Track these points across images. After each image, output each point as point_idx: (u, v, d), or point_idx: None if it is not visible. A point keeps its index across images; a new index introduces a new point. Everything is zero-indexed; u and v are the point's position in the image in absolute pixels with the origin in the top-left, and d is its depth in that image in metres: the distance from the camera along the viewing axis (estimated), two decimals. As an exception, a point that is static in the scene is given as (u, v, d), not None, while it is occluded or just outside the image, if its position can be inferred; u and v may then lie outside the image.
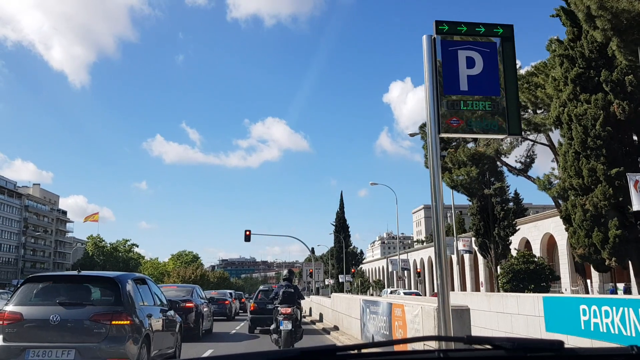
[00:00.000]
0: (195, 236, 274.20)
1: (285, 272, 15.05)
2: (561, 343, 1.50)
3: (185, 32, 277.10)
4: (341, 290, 69.18)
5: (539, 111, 27.02)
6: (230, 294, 32.02)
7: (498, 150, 28.61)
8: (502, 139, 29.73)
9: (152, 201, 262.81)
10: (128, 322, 7.91)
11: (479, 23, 6.15)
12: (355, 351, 1.55)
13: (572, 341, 9.51)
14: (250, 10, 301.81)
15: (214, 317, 21.14)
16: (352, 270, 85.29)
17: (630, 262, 20.42)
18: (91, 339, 7.65)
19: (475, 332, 9.98)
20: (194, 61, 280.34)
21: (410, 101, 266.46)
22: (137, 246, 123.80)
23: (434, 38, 6.03)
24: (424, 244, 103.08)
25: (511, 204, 36.11)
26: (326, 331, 19.37)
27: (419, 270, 71.82)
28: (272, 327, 13.12)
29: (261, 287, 22.94)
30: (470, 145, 30.93)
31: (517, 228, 36.34)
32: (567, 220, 20.72)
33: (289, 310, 12.69)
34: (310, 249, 53.26)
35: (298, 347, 2.75)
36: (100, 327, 7.73)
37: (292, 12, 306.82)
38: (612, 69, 19.58)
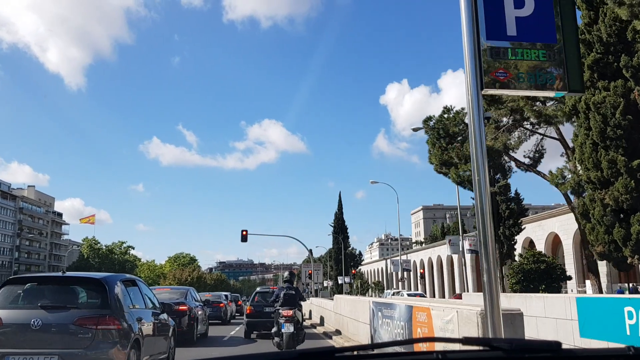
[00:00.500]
0: (192, 238, 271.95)
1: (286, 273, 14.38)
2: (559, 344, 1.50)
3: (181, 34, 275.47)
4: (340, 292, 67.81)
5: (549, 103, 25.77)
6: (226, 296, 30.63)
7: (506, 144, 27.29)
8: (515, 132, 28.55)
9: (149, 203, 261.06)
10: (115, 326, 7.45)
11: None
12: (354, 353, 1.56)
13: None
14: (246, 12, 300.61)
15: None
16: (353, 271, 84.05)
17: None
18: (75, 344, 7.18)
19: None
20: (190, 63, 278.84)
21: (406, 103, 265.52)
22: (133, 248, 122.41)
23: (472, -30, 4.75)
24: (423, 245, 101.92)
25: (512, 203, 34.78)
26: (328, 335, 18.13)
27: (421, 271, 70.48)
28: (274, 330, 12.85)
29: (258, 289, 21.58)
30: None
31: (522, 227, 35.09)
32: (584, 215, 19.43)
33: (290, 312, 12.38)
34: (309, 250, 51.94)
35: (297, 349, 2.52)
36: (85, 331, 7.26)
37: (288, 14, 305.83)
38: (632, 53, 18.29)
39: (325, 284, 78.07)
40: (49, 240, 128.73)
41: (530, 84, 4.92)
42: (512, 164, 30.68)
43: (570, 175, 22.04)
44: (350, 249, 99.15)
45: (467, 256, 59.74)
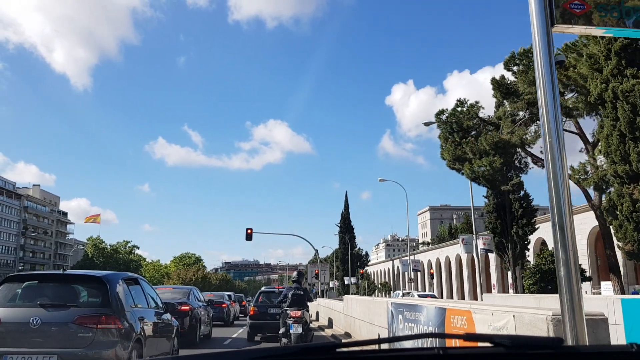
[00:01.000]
0: (198, 239, 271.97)
1: (294, 273, 14.22)
2: (560, 340, 1.50)
3: (187, 34, 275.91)
4: (346, 293, 66.71)
5: (568, 95, 24.55)
6: (229, 296, 29.57)
7: (522, 139, 26.05)
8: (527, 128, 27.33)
9: (154, 204, 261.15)
10: (116, 325, 7.28)
11: None
12: (356, 348, 1.52)
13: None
14: (251, 12, 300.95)
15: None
16: (361, 271, 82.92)
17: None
18: (75, 343, 7.01)
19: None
20: (195, 63, 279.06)
21: (412, 104, 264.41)
22: (138, 248, 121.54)
23: None
24: (430, 245, 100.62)
25: (524, 202, 33.53)
26: (337, 338, 17.07)
27: (432, 271, 69.28)
28: (281, 331, 12.63)
29: (263, 289, 20.53)
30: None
31: (536, 227, 33.88)
32: (610, 212, 18.22)
33: (299, 313, 12.22)
34: (315, 250, 50.90)
35: (299, 345, 2.23)
36: (85, 331, 7.10)
37: (294, 14, 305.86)
38: (664, 39, 17.13)
39: (331, 285, 76.97)
40: (53, 240, 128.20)
41: (612, 18, 3.79)
42: (529, 159, 29.44)
43: (593, 170, 20.80)
44: (356, 249, 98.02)
45: (476, 257, 58.61)
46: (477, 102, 28.78)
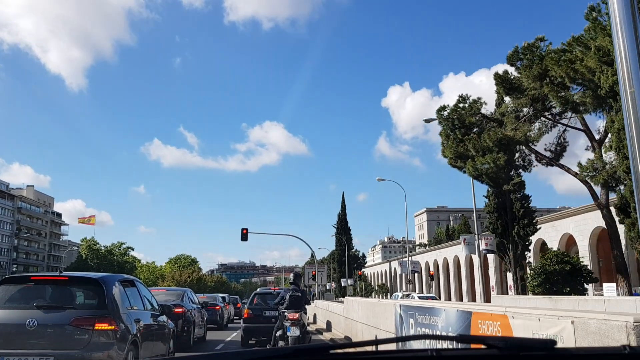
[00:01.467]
0: (193, 241, 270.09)
1: (291, 275, 13.44)
2: (553, 342, 1.48)
3: (183, 35, 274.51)
4: (343, 295, 65.84)
5: (574, 90, 23.78)
6: (223, 298, 28.72)
7: (527, 136, 25.27)
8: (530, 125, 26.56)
9: (150, 205, 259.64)
10: (112, 327, 7.29)
11: None
12: (350, 349, 1.51)
13: None
14: (247, 13, 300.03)
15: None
16: (359, 272, 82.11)
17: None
18: (71, 345, 7.03)
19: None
20: (191, 64, 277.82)
21: (408, 106, 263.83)
22: (133, 249, 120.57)
23: None
24: (427, 247, 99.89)
25: (525, 202, 32.76)
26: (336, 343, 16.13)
27: (432, 272, 68.47)
28: (279, 333, 12.37)
29: (258, 290, 19.67)
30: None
31: (538, 227, 33.11)
32: (622, 210, 17.43)
33: (296, 315, 11.95)
34: (312, 250, 50.04)
35: (292, 346, 2.46)
36: (81, 332, 7.11)
37: (290, 15, 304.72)
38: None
39: (328, 286, 76.16)
40: (47, 241, 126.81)
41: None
42: (533, 157, 28.64)
43: (602, 167, 20.00)
44: (353, 250, 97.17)
45: (474, 257, 57.86)
46: (479, 98, 27.97)
